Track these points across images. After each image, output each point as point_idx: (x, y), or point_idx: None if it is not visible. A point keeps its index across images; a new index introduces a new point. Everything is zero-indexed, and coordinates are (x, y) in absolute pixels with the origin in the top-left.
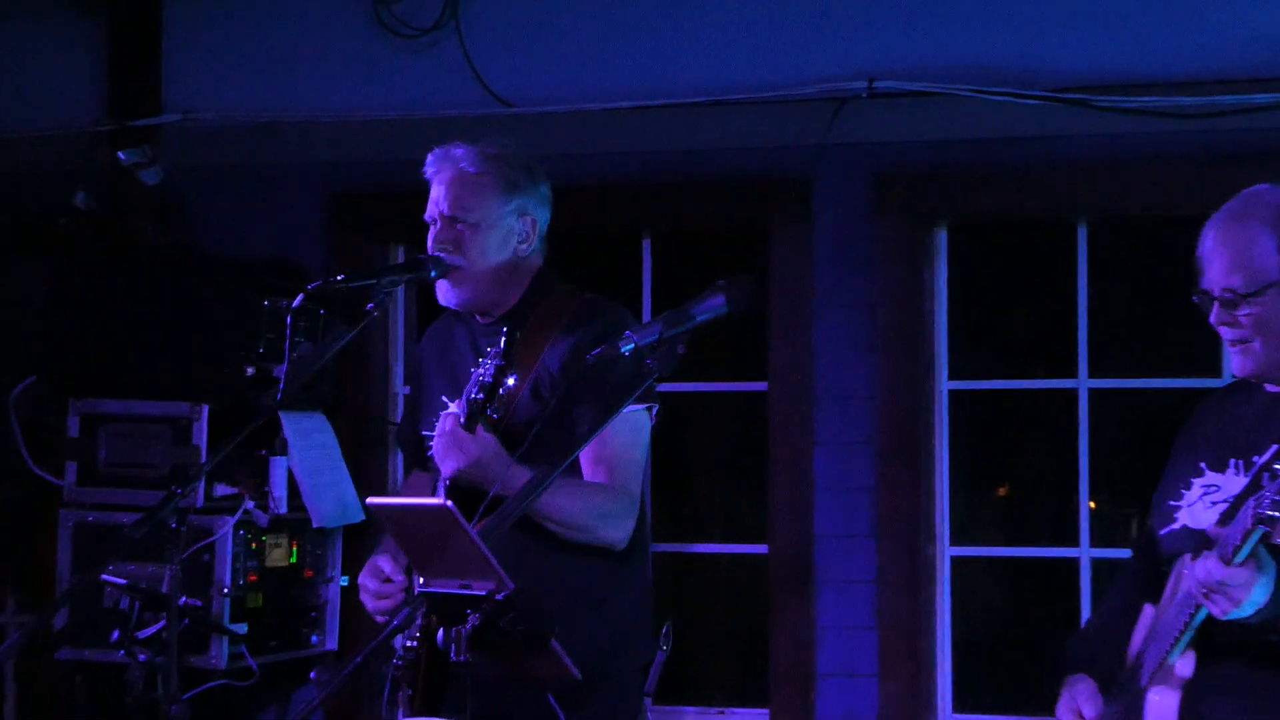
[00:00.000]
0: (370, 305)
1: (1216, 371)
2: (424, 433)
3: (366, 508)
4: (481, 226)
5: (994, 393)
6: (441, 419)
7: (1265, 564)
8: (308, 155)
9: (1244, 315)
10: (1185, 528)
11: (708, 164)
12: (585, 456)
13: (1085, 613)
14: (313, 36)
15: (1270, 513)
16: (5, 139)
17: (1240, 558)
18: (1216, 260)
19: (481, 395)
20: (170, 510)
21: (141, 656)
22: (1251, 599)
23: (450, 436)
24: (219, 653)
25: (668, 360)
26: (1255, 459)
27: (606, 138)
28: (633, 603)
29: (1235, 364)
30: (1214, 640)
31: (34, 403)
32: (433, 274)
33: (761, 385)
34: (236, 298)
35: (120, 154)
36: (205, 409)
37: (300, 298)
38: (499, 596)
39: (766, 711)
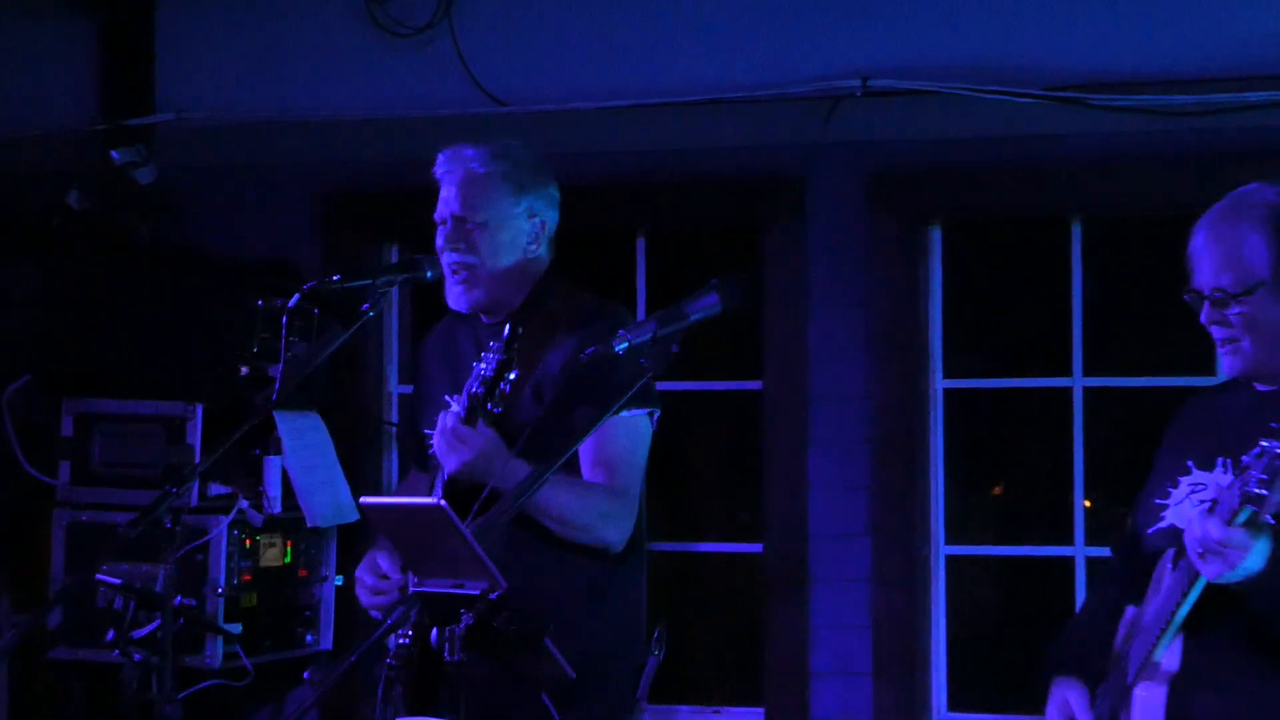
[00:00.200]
0: (365, 305)
1: (1212, 371)
2: (425, 431)
3: (360, 507)
4: (490, 226)
5: (989, 392)
6: (442, 415)
7: (1263, 531)
8: (302, 155)
9: (1234, 314)
10: (1173, 526)
11: (702, 163)
12: (585, 458)
13: None
14: (306, 36)
15: (1257, 490)
16: None
17: (1240, 519)
18: (1206, 260)
19: (482, 390)
20: (164, 510)
21: (136, 656)
22: (1246, 564)
23: (451, 432)
24: (213, 652)
25: (662, 359)
26: (1244, 458)
27: (600, 137)
28: (628, 604)
29: (1225, 364)
30: (1202, 624)
31: (28, 402)
32: (428, 274)
33: (756, 384)
34: (231, 297)
35: (114, 153)
36: (200, 408)
37: (295, 297)
38: (493, 596)
39: (761, 710)
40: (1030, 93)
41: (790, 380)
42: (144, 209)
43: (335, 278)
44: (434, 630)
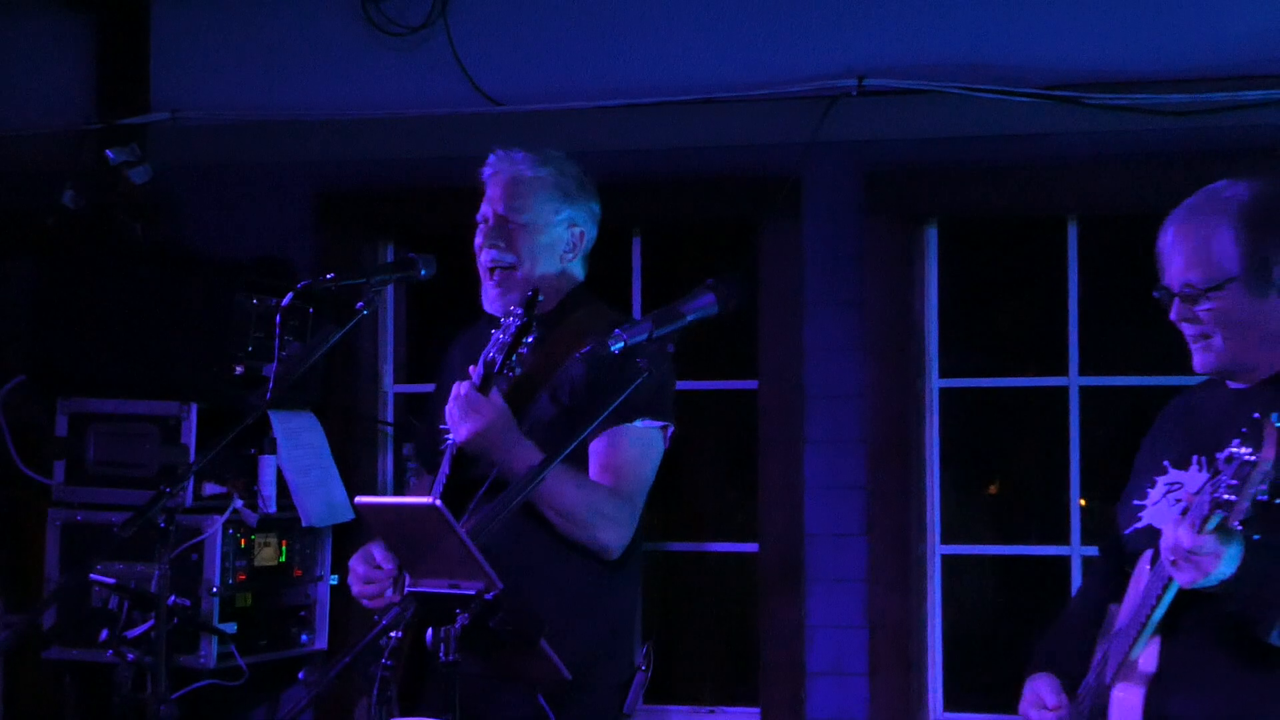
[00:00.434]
0: (360, 304)
1: None
2: (440, 427)
3: (355, 507)
4: (531, 228)
5: (985, 391)
6: (456, 384)
7: (1233, 537)
8: (296, 154)
9: (1204, 310)
10: (1150, 526)
11: (697, 162)
12: (594, 463)
13: None
14: (301, 35)
15: (1226, 497)
16: None
17: (1210, 525)
18: (1176, 256)
19: (500, 356)
20: (159, 509)
21: (130, 656)
22: (1218, 571)
23: (464, 399)
24: (208, 652)
25: (658, 359)
26: (1219, 455)
27: (596, 136)
28: (620, 611)
29: (1197, 361)
30: (1178, 626)
31: (22, 402)
32: (422, 273)
33: (752, 383)
34: (225, 297)
35: (108, 153)
36: (194, 408)
37: (290, 297)
38: (488, 596)
39: (757, 710)
40: (1025, 92)
41: (786, 379)
42: (139, 208)
43: (330, 277)
44: (429, 630)
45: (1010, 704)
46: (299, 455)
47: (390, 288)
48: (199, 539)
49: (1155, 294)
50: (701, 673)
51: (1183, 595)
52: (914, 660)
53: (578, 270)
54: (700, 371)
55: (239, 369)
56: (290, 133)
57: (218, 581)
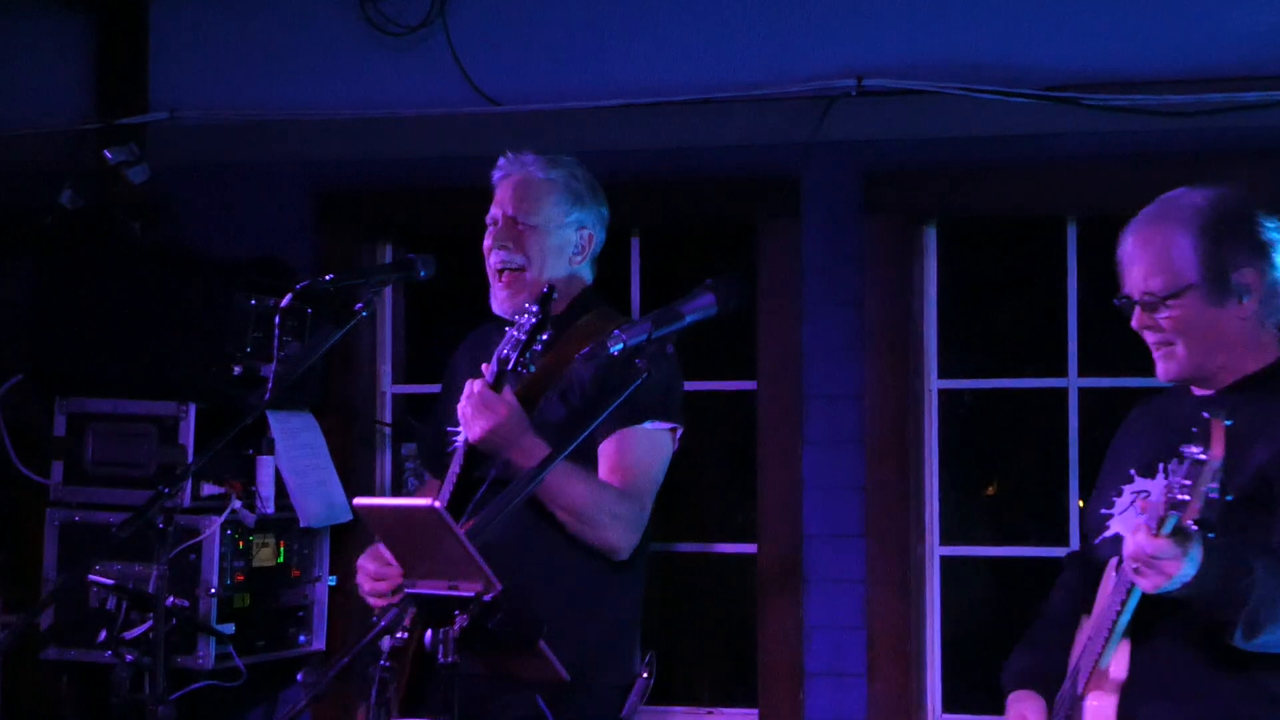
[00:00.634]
0: (359, 305)
1: None
2: (448, 429)
3: (354, 508)
4: (540, 230)
5: (984, 392)
6: (469, 382)
7: (1192, 539)
8: (295, 153)
9: (1164, 318)
10: (1117, 535)
11: (696, 162)
12: (603, 463)
13: None
14: (300, 35)
15: (1180, 497)
16: None
17: (1166, 529)
18: (1136, 264)
19: (515, 353)
20: (157, 510)
21: (128, 657)
22: (1180, 574)
23: (477, 396)
24: (206, 653)
25: (657, 360)
26: (1171, 464)
27: (594, 136)
28: (623, 613)
29: (1160, 370)
30: (1146, 631)
31: (20, 401)
32: (421, 274)
33: (750, 384)
34: (224, 296)
35: (107, 152)
36: (192, 408)
37: (289, 297)
38: (487, 598)
39: (755, 711)
40: (1025, 92)
41: (784, 380)
42: (137, 208)
43: (329, 277)
44: (428, 632)
45: None
46: (297, 456)
47: (389, 288)
48: (197, 539)
49: (1116, 302)
50: (700, 673)
51: (1149, 601)
52: (913, 661)
53: (586, 273)
54: (699, 372)
55: (237, 369)
56: (289, 132)
57: (216, 582)
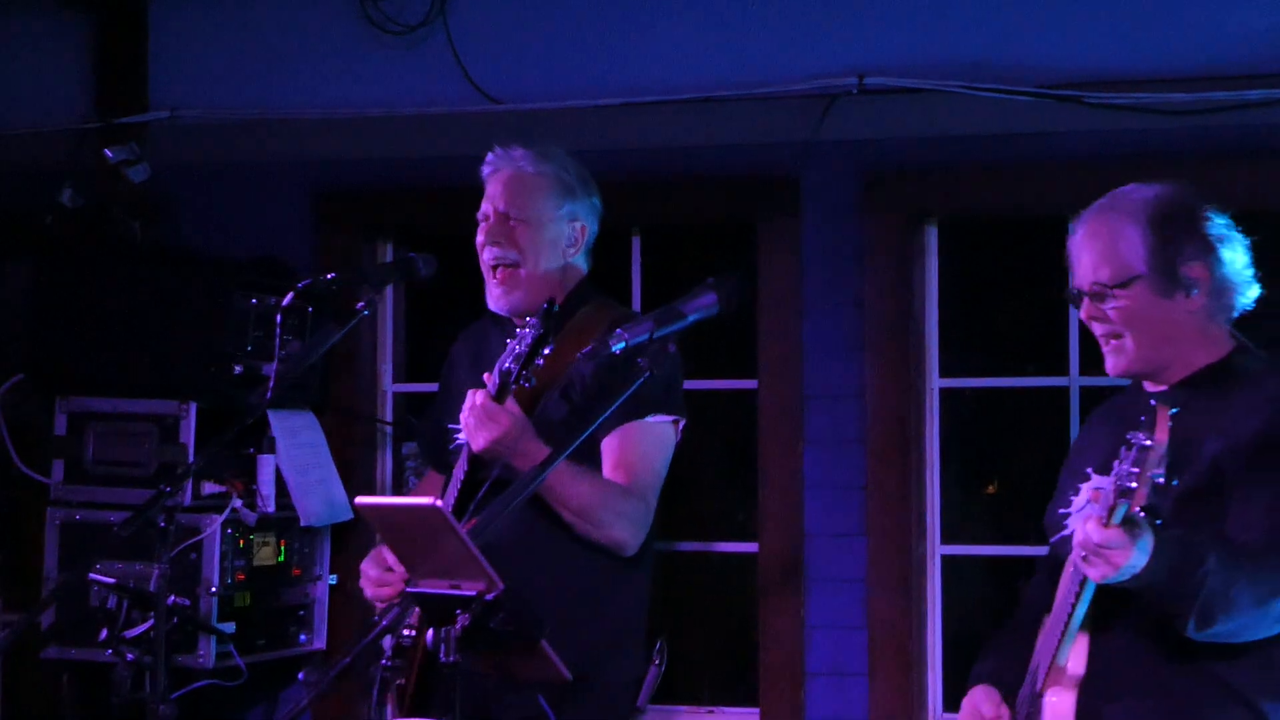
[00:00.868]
0: (360, 304)
1: None
2: (449, 425)
3: (355, 507)
4: (533, 225)
5: (985, 390)
6: (471, 393)
7: (1141, 529)
8: (295, 152)
9: (1112, 308)
10: (1075, 533)
11: (697, 161)
12: (607, 460)
13: None
14: (300, 33)
15: (1129, 484)
16: None
17: (1115, 519)
18: (1085, 254)
19: (516, 365)
20: (158, 509)
21: (129, 656)
22: (1130, 563)
23: (480, 408)
24: (206, 652)
25: (659, 359)
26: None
27: (595, 135)
28: (629, 608)
29: (1109, 364)
30: (1102, 626)
31: (21, 401)
32: (422, 273)
33: (751, 383)
34: (225, 296)
35: (107, 151)
36: (193, 407)
37: (290, 296)
38: (489, 597)
39: (756, 710)
40: (1026, 91)
41: (785, 379)
42: (137, 207)
43: (330, 276)
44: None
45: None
46: (298, 454)
47: (389, 287)
48: (198, 538)
49: (1066, 296)
50: (701, 672)
51: (1105, 594)
52: (914, 660)
53: (581, 264)
54: (699, 371)
55: (238, 368)
56: (289, 131)
57: (216, 581)
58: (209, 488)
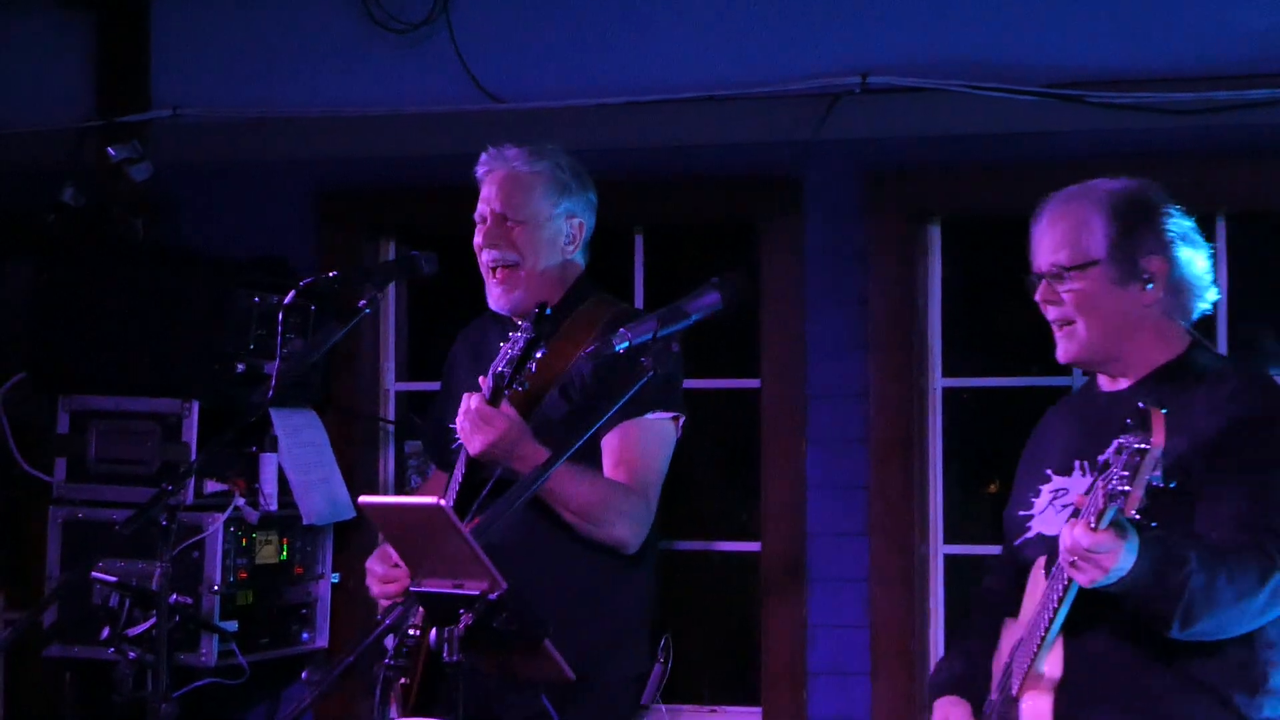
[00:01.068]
0: (362, 302)
1: None
2: (450, 425)
3: (358, 507)
4: (530, 224)
5: (988, 390)
6: (466, 397)
7: (1128, 531)
8: (297, 151)
9: (1067, 291)
10: (1040, 535)
11: (699, 160)
12: (608, 458)
13: None
14: (302, 32)
15: (1121, 488)
16: None
17: (1104, 523)
18: (1046, 237)
19: (509, 369)
20: (160, 507)
21: (131, 654)
22: (1117, 566)
23: (475, 413)
24: (209, 650)
25: (663, 358)
26: (1100, 458)
27: (597, 133)
28: (632, 607)
29: (1060, 349)
30: (1079, 630)
31: (23, 399)
32: (424, 271)
33: (754, 382)
34: (227, 294)
35: (109, 150)
36: (195, 406)
37: (292, 294)
38: (492, 596)
39: (758, 710)
40: (1029, 90)
41: (787, 378)
42: (140, 205)
43: (332, 274)
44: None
45: None
46: (300, 453)
47: (391, 286)
48: (200, 537)
49: (1027, 282)
50: (703, 672)
51: (1083, 596)
52: (916, 660)
53: (580, 260)
54: (702, 370)
55: (240, 367)
56: (291, 129)
57: (219, 579)
58: (211, 486)
